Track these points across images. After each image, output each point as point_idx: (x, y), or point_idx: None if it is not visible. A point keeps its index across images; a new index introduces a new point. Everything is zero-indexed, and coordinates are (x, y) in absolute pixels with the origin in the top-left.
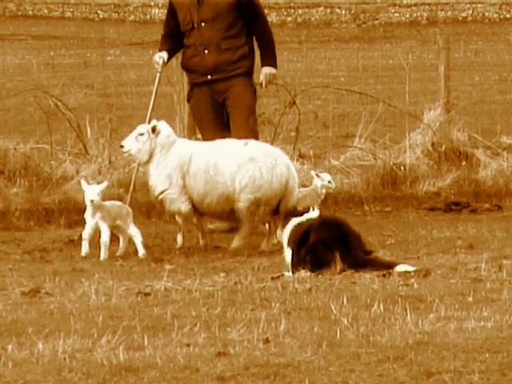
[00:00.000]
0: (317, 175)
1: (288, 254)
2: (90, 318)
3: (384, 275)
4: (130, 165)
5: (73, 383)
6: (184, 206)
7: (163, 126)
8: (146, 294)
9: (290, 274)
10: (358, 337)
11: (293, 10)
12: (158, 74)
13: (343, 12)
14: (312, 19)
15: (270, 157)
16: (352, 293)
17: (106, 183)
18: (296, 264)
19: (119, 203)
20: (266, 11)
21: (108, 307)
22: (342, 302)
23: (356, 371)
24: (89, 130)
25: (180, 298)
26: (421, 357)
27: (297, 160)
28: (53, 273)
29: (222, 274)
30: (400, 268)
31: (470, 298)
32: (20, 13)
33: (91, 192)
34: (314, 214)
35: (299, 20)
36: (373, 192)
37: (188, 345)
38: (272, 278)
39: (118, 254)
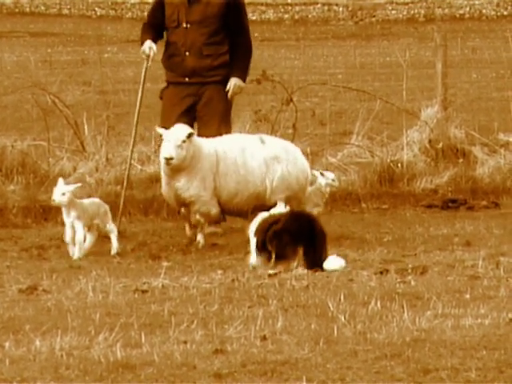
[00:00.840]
0: (321, 174)
1: (253, 242)
2: (87, 315)
3: (381, 272)
4: (127, 162)
5: (70, 380)
6: (215, 209)
7: (189, 128)
8: (144, 291)
9: (254, 260)
10: (355, 334)
11: (290, 7)
12: (146, 66)
13: (340, 9)
14: (309, 16)
15: (289, 153)
16: (349, 290)
17: (78, 185)
18: (261, 249)
19: (98, 201)
20: (263, 8)
21: (105, 304)
22: (339, 299)
23: (353, 368)
24: (86, 127)
25: (177, 295)
26: (418, 354)
27: None
28: (50, 270)
29: (220, 271)
30: (328, 264)
31: (467, 296)
32: (17, 10)
33: (55, 192)
34: (281, 208)
35: (296, 17)
36: (370, 189)
37: (185, 342)
38: (269, 276)
39: (112, 252)
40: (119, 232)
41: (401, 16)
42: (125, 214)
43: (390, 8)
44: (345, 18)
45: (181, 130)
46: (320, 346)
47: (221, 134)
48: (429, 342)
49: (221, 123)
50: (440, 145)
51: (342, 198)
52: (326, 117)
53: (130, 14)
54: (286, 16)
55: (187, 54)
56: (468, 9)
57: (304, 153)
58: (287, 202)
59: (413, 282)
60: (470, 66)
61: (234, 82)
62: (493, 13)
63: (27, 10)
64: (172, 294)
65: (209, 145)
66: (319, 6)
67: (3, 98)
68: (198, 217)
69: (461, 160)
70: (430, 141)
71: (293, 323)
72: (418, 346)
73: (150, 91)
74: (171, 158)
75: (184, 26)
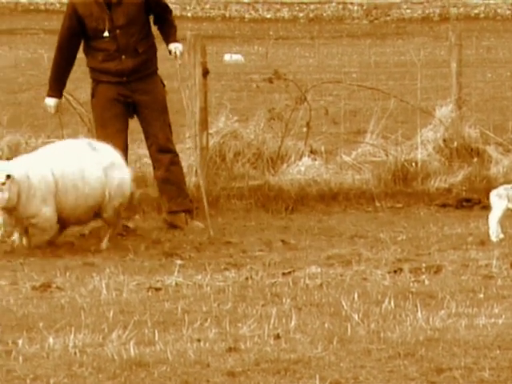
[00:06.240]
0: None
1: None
2: (101, 313)
3: (395, 271)
4: (142, 160)
5: (83, 378)
6: (54, 226)
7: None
8: (157, 289)
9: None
10: (368, 333)
11: (305, 6)
12: (177, 65)
13: (355, 8)
14: (324, 15)
15: (120, 158)
16: (363, 289)
17: None
18: None
19: None
20: (277, 7)
21: (119, 302)
22: (353, 298)
23: (366, 367)
24: None
25: (191, 293)
26: (431, 353)
27: (308, 156)
28: (64, 267)
29: (233, 270)
30: None
31: (481, 295)
32: (32, 7)
33: None
34: None
35: (311, 15)
36: (384, 188)
37: (199, 340)
38: (283, 274)
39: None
40: (132, 229)
41: (416, 15)
42: (139, 212)
43: (405, 7)
44: (359, 17)
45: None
46: (333, 345)
47: (167, 122)
48: (442, 342)
49: (165, 111)
50: (454, 144)
51: (356, 196)
52: (341, 115)
53: None
54: (301, 14)
55: (123, 57)
56: (483, 8)
57: (318, 151)
58: (120, 208)
59: (427, 281)
60: (484, 65)
61: (175, 45)
62: (508, 12)
63: (42, 7)
64: (185, 292)
65: (39, 167)
66: (334, 4)
67: (17, 95)
68: (32, 228)
69: (475, 159)
70: (444, 140)
71: (306, 322)
72: (432, 345)
73: (166, 88)
74: None
75: (112, 33)
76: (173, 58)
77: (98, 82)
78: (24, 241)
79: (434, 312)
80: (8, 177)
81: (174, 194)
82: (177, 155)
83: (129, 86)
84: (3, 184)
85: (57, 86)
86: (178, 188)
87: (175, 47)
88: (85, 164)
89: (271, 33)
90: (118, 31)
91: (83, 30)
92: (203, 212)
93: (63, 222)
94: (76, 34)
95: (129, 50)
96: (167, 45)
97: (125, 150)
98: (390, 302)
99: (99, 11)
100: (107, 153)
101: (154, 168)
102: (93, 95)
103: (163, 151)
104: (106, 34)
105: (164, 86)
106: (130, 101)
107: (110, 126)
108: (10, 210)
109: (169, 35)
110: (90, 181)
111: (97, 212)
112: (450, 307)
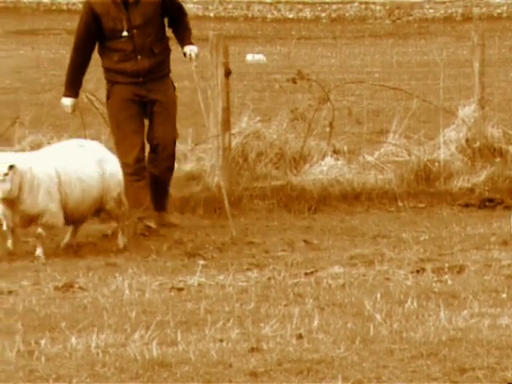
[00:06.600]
0: None
1: None
2: (124, 313)
3: (418, 271)
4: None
5: (106, 378)
6: (61, 220)
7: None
8: (180, 289)
9: None
10: (391, 333)
11: (327, 6)
12: (194, 67)
13: (378, 8)
14: (346, 15)
15: (108, 152)
16: (386, 289)
17: None
18: None
19: None
20: (300, 7)
21: (141, 302)
22: (376, 298)
23: (389, 367)
24: None
25: (213, 294)
26: (454, 353)
27: (331, 156)
28: (86, 267)
29: (256, 270)
30: None
31: (504, 295)
32: (54, 7)
33: None
34: None
35: (333, 15)
36: (407, 188)
37: (221, 340)
38: (305, 274)
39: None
40: (154, 229)
41: (438, 15)
42: None
43: (428, 7)
44: (382, 17)
45: (2, 162)
46: (356, 345)
47: (175, 123)
48: (465, 341)
49: (175, 113)
50: (477, 144)
51: (379, 196)
52: (363, 115)
53: None
54: (323, 14)
55: (139, 57)
56: (506, 8)
57: (341, 151)
58: (119, 198)
59: (449, 281)
60: (507, 64)
61: (191, 48)
62: None
63: (64, 7)
64: (208, 292)
65: (42, 162)
66: (356, 4)
67: (40, 95)
68: (40, 230)
69: (498, 159)
70: (467, 140)
71: (329, 322)
72: (455, 345)
73: (189, 89)
74: None
75: (129, 33)
76: (188, 60)
77: (114, 83)
78: (9, 243)
79: (457, 312)
80: (11, 167)
81: (161, 195)
82: (174, 159)
83: (144, 86)
84: (6, 174)
85: (73, 85)
86: (166, 191)
87: (190, 49)
88: (81, 160)
89: (293, 33)
90: (134, 31)
91: (99, 30)
92: (225, 212)
93: (68, 219)
94: (92, 34)
95: (145, 51)
96: (182, 47)
97: (142, 150)
98: (412, 302)
99: (116, 11)
100: (96, 148)
101: (151, 164)
102: (108, 96)
103: (167, 154)
104: (125, 33)
105: (175, 88)
106: (145, 100)
107: (126, 127)
108: (12, 203)
109: (184, 38)
110: (88, 175)
111: (98, 207)
112: (473, 307)
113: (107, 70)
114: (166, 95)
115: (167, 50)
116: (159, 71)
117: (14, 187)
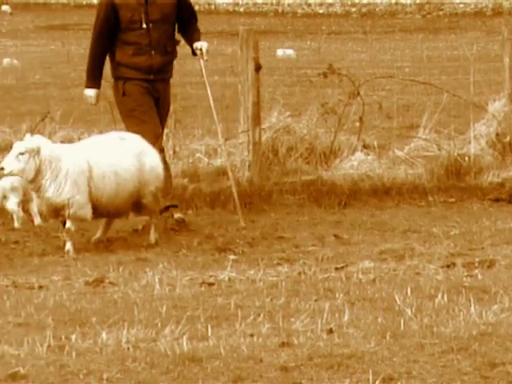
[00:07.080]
0: None
1: None
2: (154, 308)
3: (448, 266)
4: (195, 155)
5: (136, 373)
6: (89, 213)
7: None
8: (210, 284)
9: None
10: (421, 328)
11: (357, 1)
12: (202, 62)
13: (408, 2)
14: (376, 10)
15: (148, 145)
16: (416, 284)
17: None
18: None
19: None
20: (330, 2)
21: (172, 297)
22: (406, 293)
23: (420, 362)
24: None
25: (244, 289)
26: (485, 348)
27: (361, 150)
28: (117, 262)
29: (286, 265)
30: None
31: None
32: (84, 2)
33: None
34: None
35: (364, 10)
36: (437, 183)
37: (252, 335)
38: (336, 269)
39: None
40: (185, 224)
41: (468, 9)
42: (192, 207)
43: (458, 1)
44: (412, 12)
45: (25, 142)
46: (386, 340)
47: (164, 127)
48: (495, 336)
49: (167, 117)
50: (507, 138)
51: (409, 191)
52: (393, 110)
53: (197, 6)
54: (354, 9)
55: (153, 52)
56: None
57: (371, 146)
58: (157, 192)
59: (480, 276)
60: None
61: (202, 43)
62: None
63: (94, 1)
64: (238, 287)
65: (74, 152)
66: None
67: (70, 90)
68: (69, 224)
69: None
70: (497, 134)
71: (359, 317)
72: (485, 339)
73: (218, 84)
74: (2, 169)
75: (146, 26)
76: (198, 56)
77: (126, 80)
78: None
79: (487, 306)
80: (31, 150)
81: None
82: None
83: (154, 84)
84: (21, 154)
85: (95, 76)
86: (168, 186)
87: (201, 44)
88: (118, 153)
89: (324, 28)
90: (151, 25)
91: (117, 22)
92: (256, 206)
93: (103, 212)
94: (111, 24)
95: (159, 47)
96: (191, 45)
97: (162, 140)
98: (442, 297)
99: (135, 3)
100: (136, 141)
101: None
102: (123, 93)
103: (160, 150)
104: (144, 25)
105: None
106: (155, 96)
107: (148, 119)
108: (36, 188)
109: (193, 37)
110: (124, 168)
111: (135, 202)
112: (503, 302)
113: (119, 65)
114: (166, 97)
115: (176, 52)
116: (167, 72)
117: (28, 169)
